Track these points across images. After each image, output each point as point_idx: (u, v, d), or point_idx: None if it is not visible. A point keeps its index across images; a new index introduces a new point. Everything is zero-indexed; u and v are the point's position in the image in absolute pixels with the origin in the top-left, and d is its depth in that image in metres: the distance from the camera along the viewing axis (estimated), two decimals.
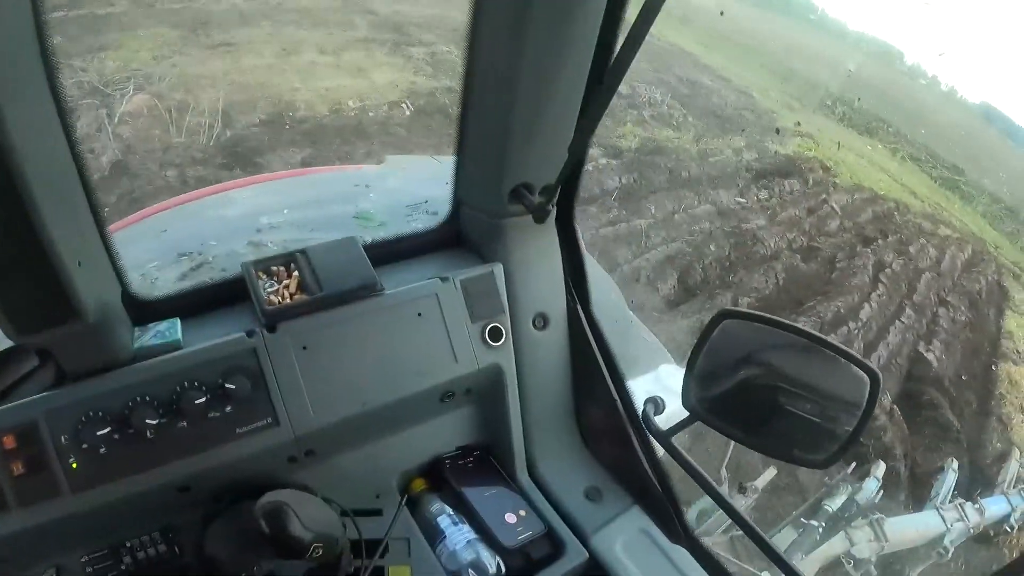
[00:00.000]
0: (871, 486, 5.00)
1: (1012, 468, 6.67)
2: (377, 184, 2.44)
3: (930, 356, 7.74)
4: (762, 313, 1.26)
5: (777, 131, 12.96)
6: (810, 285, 8.03)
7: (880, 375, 1.17)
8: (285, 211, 2.13)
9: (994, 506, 5.67)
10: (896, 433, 6.68)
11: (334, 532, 1.22)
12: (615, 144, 9.80)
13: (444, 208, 1.56)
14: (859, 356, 1.19)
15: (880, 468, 5.26)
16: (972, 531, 5.35)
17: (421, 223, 1.57)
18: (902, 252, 10.02)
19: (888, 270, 8.91)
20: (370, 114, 8.55)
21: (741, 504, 4.54)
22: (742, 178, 10.20)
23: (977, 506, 5.44)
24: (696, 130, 11.68)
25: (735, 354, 1.29)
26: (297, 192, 2.46)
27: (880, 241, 10.12)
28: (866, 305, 7.75)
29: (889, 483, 5.74)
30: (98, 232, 1.07)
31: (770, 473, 4.65)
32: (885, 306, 8.04)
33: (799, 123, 14.14)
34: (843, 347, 1.21)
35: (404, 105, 8.90)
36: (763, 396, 1.26)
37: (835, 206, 10.69)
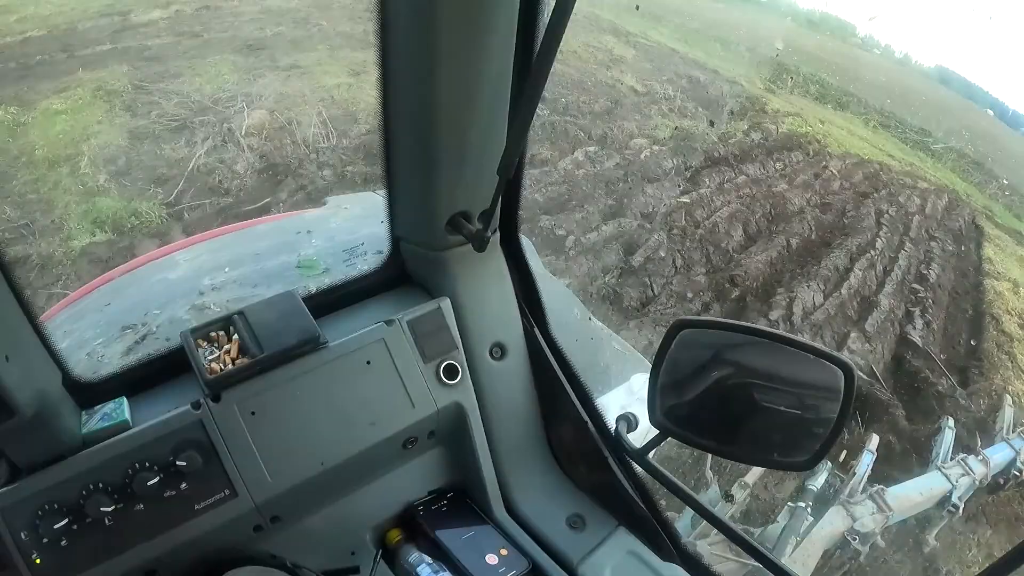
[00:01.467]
0: (866, 459, 4.99)
1: (1007, 414, 6.69)
2: (319, 228, 2.38)
3: (931, 274, 9.95)
4: (720, 319, 1.23)
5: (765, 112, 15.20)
6: (832, 230, 10.03)
7: (853, 366, 1.14)
8: (227, 269, 2.06)
9: (997, 454, 5.70)
10: (883, 402, 6.81)
11: None
12: (653, 135, 11.46)
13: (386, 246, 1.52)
14: (828, 350, 1.17)
15: (873, 440, 5.25)
16: (980, 483, 5.36)
17: (366, 264, 1.52)
18: (893, 202, 12.29)
19: (886, 216, 11.09)
20: None
21: (731, 508, 4.51)
22: (757, 154, 11.97)
23: (980, 457, 5.45)
24: (707, 118, 13.32)
25: (700, 363, 1.25)
26: (239, 247, 2.38)
27: (875, 195, 12.34)
28: (877, 240, 9.86)
29: (884, 454, 5.76)
30: (29, 322, 1.03)
31: (759, 469, 4.60)
32: (890, 240, 10.24)
33: (777, 110, 15.82)
34: (810, 343, 1.19)
35: None
36: (738, 399, 1.22)
37: (834, 171, 12.89)
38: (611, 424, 1.44)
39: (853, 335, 7.15)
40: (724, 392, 1.24)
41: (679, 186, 9.63)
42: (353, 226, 2.31)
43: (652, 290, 7.02)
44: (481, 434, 1.44)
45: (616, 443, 1.42)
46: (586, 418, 1.45)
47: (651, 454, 1.38)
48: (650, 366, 1.27)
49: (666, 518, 1.43)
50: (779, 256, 8.46)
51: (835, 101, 21.50)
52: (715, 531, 3.93)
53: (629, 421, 1.44)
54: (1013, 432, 6.37)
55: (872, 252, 9.34)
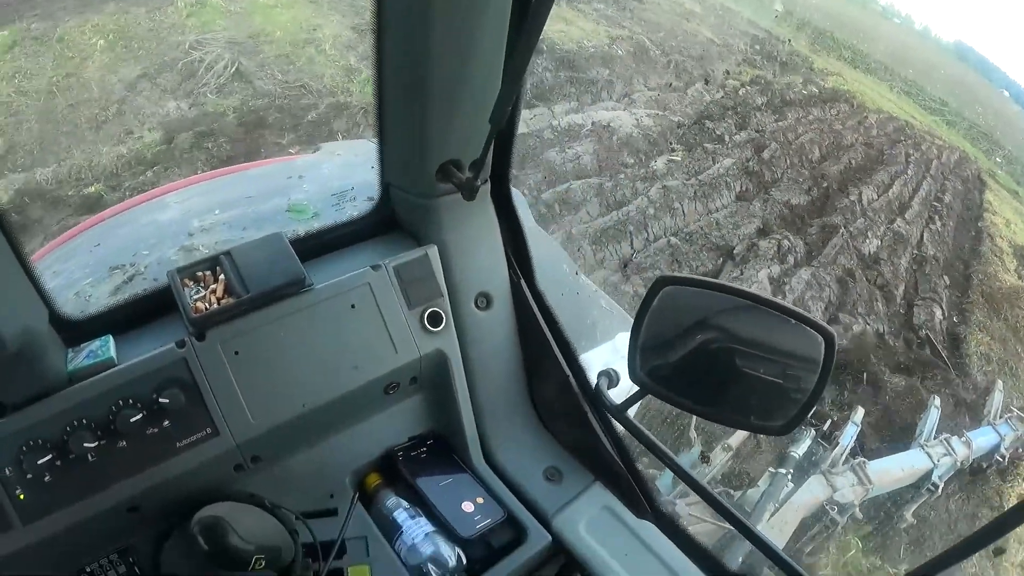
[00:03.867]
0: (850, 431, 5.04)
1: (996, 399, 6.76)
2: (311, 173, 2.36)
3: (945, 198, 14.57)
4: (703, 278, 1.22)
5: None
6: (875, 161, 14.03)
7: (834, 334, 1.15)
8: (216, 211, 2.05)
9: (981, 437, 5.76)
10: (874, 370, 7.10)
11: (276, 541, 1.19)
12: (740, 78, 14.45)
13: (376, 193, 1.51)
14: (811, 316, 1.17)
15: (859, 413, 5.30)
16: (961, 464, 5.43)
17: (356, 210, 1.51)
18: (917, 148, 16.75)
19: (912, 156, 15.59)
20: (592, 50, 11.60)
21: (710, 469, 4.56)
22: (815, 101, 15.61)
23: (964, 439, 5.51)
24: (771, 71, 16.46)
25: (681, 321, 1.25)
26: (230, 190, 2.36)
27: (903, 141, 16.55)
28: (907, 170, 14.39)
29: (870, 427, 5.83)
30: (17, 260, 1.03)
31: (743, 432, 4.64)
32: (917, 171, 14.75)
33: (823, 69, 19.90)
34: (794, 308, 1.19)
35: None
36: (718, 360, 1.23)
37: (871, 121, 16.89)
38: (593, 380, 1.45)
39: (898, 221, 11.55)
40: (704, 352, 1.24)
41: (774, 115, 12.98)
42: (345, 172, 2.29)
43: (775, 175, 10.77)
44: (463, 383, 1.45)
45: (596, 398, 1.43)
46: (568, 372, 1.45)
47: (631, 411, 1.39)
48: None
49: (643, 476, 1.45)
50: (845, 168, 12.54)
51: (865, 66, 25.23)
52: (691, 494, 3.99)
53: (610, 377, 1.45)
54: (1000, 418, 6.44)
55: (904, 176, 13.88)
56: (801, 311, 1.18)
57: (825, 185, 11.38)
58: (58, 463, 1.10)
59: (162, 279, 1.32)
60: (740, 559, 3.74)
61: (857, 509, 4.65)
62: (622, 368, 1.40)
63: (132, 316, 1.30)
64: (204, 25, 7.41)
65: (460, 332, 1.44)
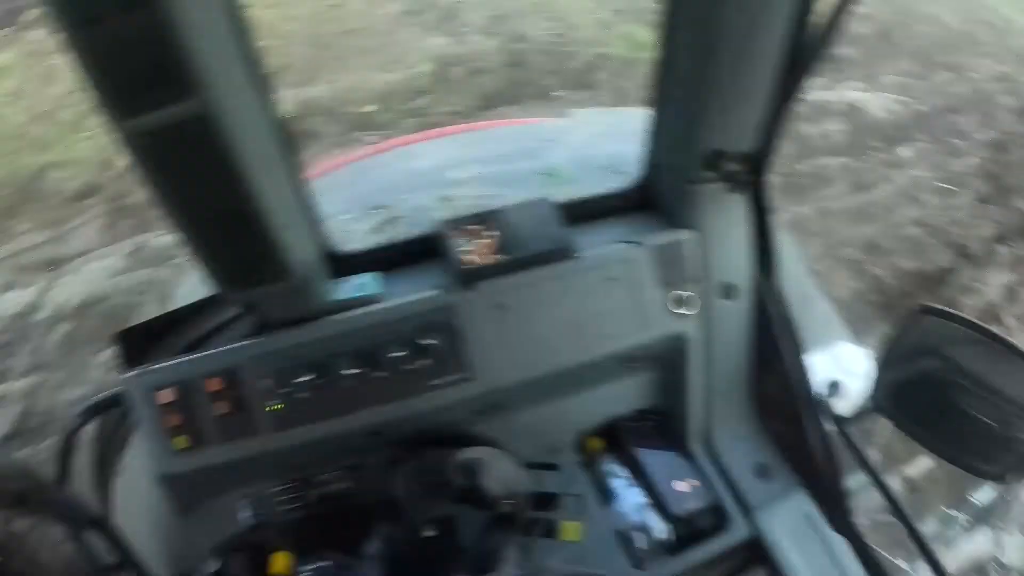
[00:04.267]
0: None
1: None
2: (562, 139, 2.38)
3: None
4: (968, 317, 1.19)
5: None
6: None
7: None
8: (470, 166, 2.15)
9: None
10: None
11: (520, 490, 1.28)
12: (984, 73, 13.26)
13: (632, 167, 1.53)
14: None
15: None
16: None
17: (611, 183, 1.56)
18: None
19: None
20: None
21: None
22: None
23: None
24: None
25: (933, 352, 1.23)
26: (481, 146, 2.47)
27: None
28: None
29: None
30: (301, 191, 1.13)
31: (925, 463, 4.38)
32: None
33: None
34: None
35: None
36: (942, 392, 1.21)
37: None
38: (817, 386, 1.44)
39: None
40: (932, 383, 1.23)
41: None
42: (598, 142, 2.34)
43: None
44: (697, 367, 1.47)
45: (819, 406, 1.42)
46: (795, 374, 1.45)
47: (853, 426, 1.39)
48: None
49: (846, 491, 1.43)
50: None
51: None
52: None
53: (836, 388, 1.45)
54: None
55: None
56: None
57: None
58: (315, 383, 1.21)
59: (420, 225, 1.40)
60: None
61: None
62: (844, 379, 1.41)
63: (397, 256, 1.41)
64: None
65: (702, 318, 1.46)
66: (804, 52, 1.04)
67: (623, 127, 1.96)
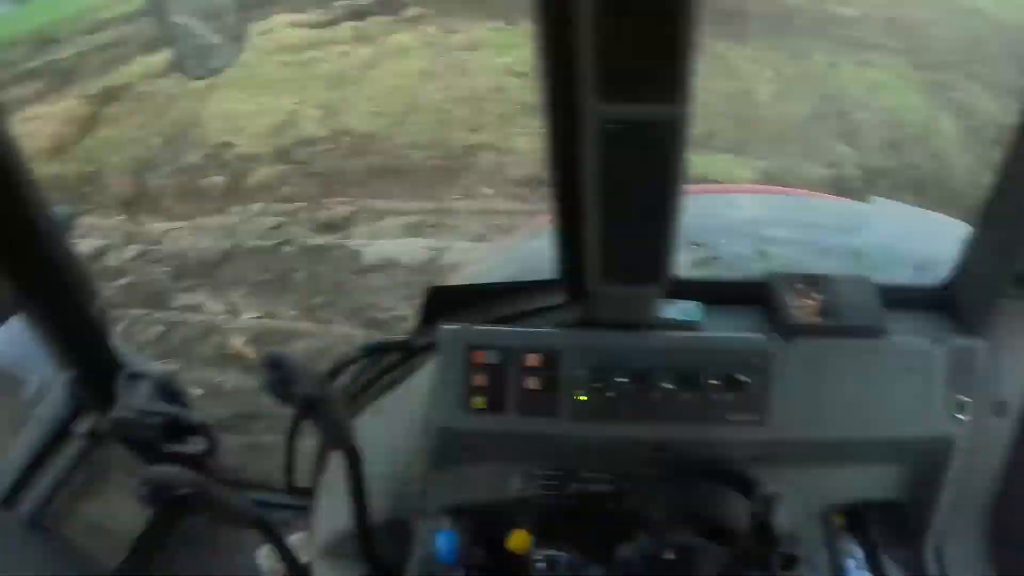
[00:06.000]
0: None
1: None
2: (870, 224, 2.39)
3: None
4: None
5: None
6: None
7: None
8: (785, 228, 2.21)
9: None
10: None
11: (797, 539, 1.31)
12: None
13: (934, 267, 1.57)
14: None
15: None
16: None
17: (913, 277, 1.56)
18: None
19: None
20: None
21: None
22: None
23: None
24: None
25: None
26: (797, 212, 2.54)
27: None
28: None
29: None
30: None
31: None
32: None
33: None
34: None
35: None
36: None
37: None
38: None
39: None
40: None
41: None
42: (904, 235, 2.28)
43: None
44: (955, 474, 1.44)
45: None
46: None
47: None
48: None
49: None
50: None
51: None
52: None
53: None
54: None
55: None
56: None
57: None
58: (629, 386, 1.29)
59: (735, 269, 1.49)
60: None
61: None
62: None
63: (717, 292, 1.48)
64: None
65: (973, 428, 1.42)
66: None
67: (926, 227, 1.92)
